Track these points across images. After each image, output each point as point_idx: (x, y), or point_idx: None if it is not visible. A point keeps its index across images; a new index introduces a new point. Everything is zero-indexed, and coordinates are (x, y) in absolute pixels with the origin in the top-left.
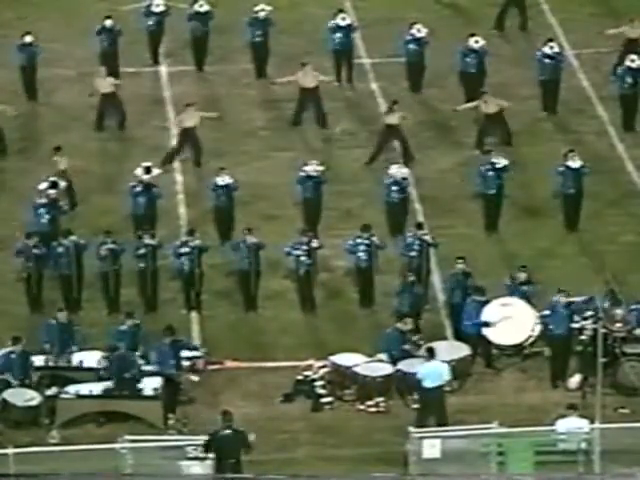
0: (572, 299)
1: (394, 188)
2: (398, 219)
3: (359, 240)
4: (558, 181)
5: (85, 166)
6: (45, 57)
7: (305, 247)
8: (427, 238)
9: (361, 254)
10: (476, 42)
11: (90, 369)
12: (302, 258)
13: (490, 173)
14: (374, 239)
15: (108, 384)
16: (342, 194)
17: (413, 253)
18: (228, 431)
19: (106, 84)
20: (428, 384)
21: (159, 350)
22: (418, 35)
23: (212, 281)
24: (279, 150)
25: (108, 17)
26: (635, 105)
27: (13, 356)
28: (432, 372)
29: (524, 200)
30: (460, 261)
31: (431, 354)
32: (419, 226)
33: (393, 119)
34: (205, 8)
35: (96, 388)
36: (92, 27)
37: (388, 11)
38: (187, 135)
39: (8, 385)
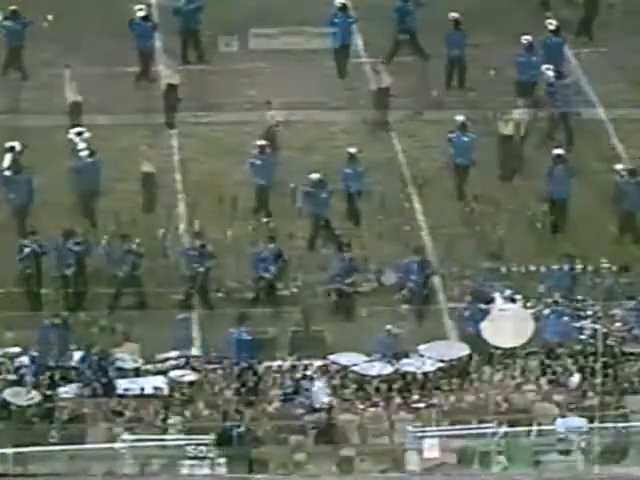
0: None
1: (349, 178)
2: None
3: (410, 262)
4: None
5: None
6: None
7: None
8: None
9: (413, 277)
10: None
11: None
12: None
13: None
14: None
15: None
16: (340, 193)
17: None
18: (236, 429)
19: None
20: None
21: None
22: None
23: (212, 281)
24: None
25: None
26: None
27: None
28: None
29: (523, 200)
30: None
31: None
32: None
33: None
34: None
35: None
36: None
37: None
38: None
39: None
